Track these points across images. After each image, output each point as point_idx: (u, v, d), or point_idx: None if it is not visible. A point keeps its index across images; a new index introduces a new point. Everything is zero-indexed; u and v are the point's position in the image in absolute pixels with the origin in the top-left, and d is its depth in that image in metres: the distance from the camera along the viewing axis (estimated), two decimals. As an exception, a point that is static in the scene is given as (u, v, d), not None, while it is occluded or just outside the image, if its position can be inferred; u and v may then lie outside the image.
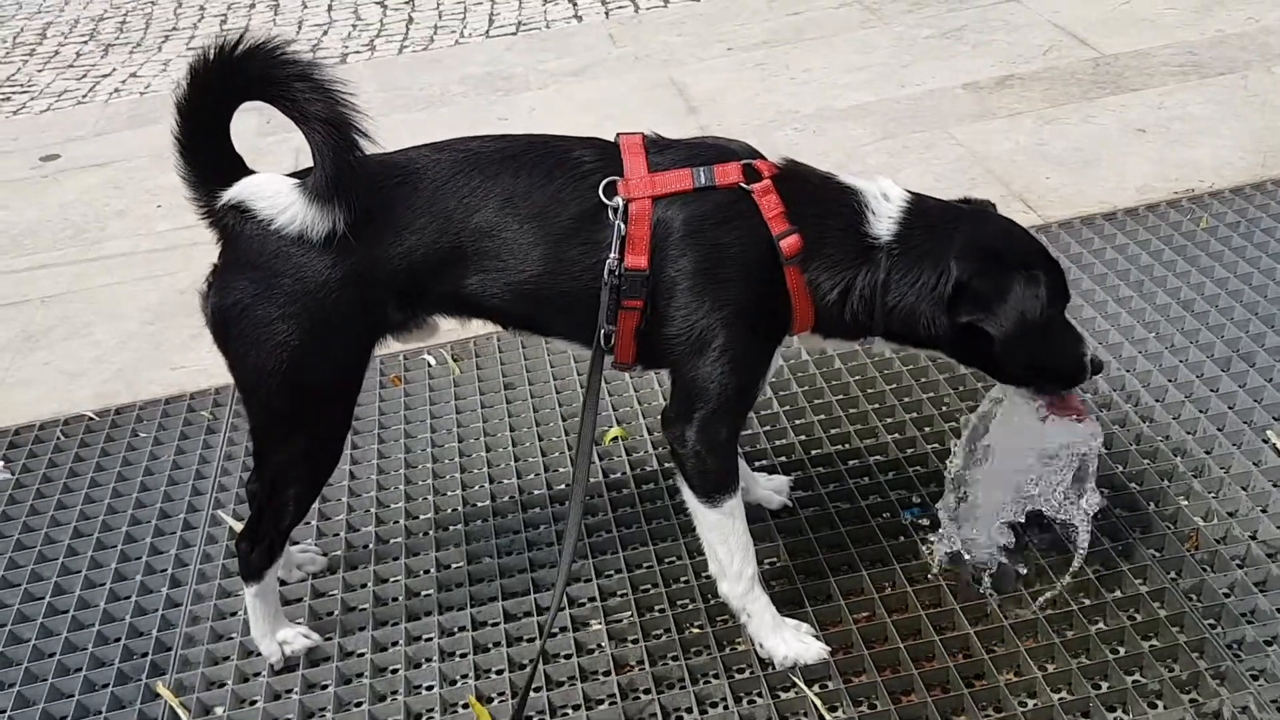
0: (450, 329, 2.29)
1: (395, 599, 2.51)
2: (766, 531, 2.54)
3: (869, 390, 2.97)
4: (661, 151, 2.08)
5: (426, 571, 2.57)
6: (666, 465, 2.77)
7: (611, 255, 1.99)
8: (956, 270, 2.02)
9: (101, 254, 4.40)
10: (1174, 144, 4.00)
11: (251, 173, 2.06)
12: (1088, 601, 2.26)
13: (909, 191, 2.14)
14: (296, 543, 2.67)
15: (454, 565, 2.59)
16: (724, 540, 2.16)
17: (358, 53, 6.45)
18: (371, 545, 2.68)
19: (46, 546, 2.82)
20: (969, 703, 2.07)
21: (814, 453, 2.78)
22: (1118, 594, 2.26)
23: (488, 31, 6.48)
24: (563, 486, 2.78)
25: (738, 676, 2.20)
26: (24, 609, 2.62)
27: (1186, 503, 2.47)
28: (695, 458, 2.09)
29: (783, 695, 2.16)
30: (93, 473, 3.09)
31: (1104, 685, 2.09)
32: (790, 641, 2.20)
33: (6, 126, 5.93)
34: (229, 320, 2.04)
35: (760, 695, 2.16)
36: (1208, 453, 2.60)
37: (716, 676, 2.21)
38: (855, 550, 2.46)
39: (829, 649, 2.21)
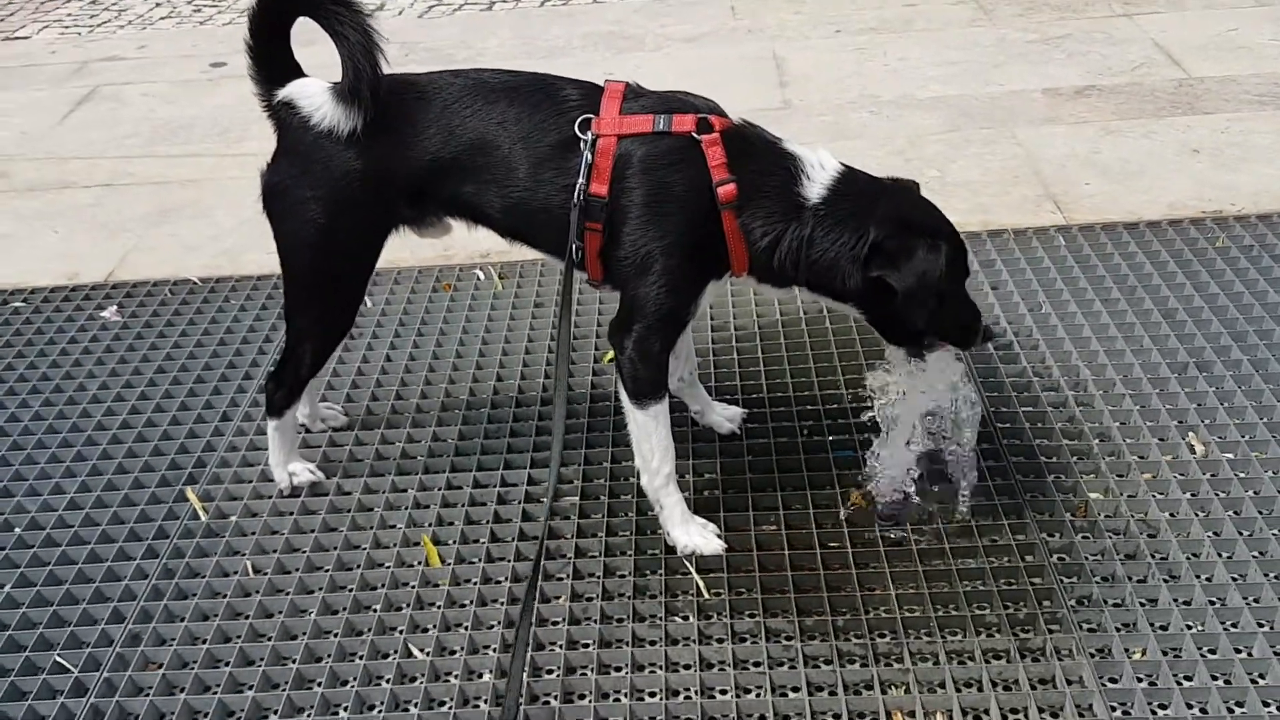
0: (502, 249, 2.67)
1: (391, 458, 2.96)
2: (710, 450, 2.90)
3: (839, 340, 3.27)
4: (636, 99, 2.43)
5: (423, 441, 3.02)
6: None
7: (580, 181, 2.37)
8: (874, 233, 2.32)
9: (239, 151, 5.00)
10: (1222, 167, 4.10)
11: (304, 76, 2.52)
12: (962, 543, 2.54)
13: (843, 164, 2.44)
14: (326, 400, 3.18)
15: (448, 440, 3.02)
16: (647, 438, 2.52)
17: (504, 2, 6.94)
18: (386, 414, 3.15)
19: (134, 376, 3.40)
20: (826, 604, 2.40)
21: (776, 394, 3.10)
22: (990, 541, 2.54)
23: (627, -6, 6.88)
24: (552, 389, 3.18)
25: (642, 555, 2.58)
26: (103, 420, 3.19)
27: (1089, 478, 2.70)
28: (630, 364, 2.46)
29: (678, 575, 2.52)
30: (185, 326, 3.67)
31: (948, 611, 2.38)
32: (693, 534, 2.56)
33: (192, 35, 6.66)
34: (273, 196, 2.52)
35: (657, 571, 2.53)
36: (1127, 440, 2.82)
37: (625, 554, 2.59)
38: (779, 475, 2.79)
39: (726, 546, 2.56)
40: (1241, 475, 2.68)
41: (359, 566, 2.61)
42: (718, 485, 2.79)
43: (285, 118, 2.48)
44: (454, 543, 2.66)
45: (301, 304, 2.62)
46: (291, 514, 2.79)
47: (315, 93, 2.44)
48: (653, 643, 2.36)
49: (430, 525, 2.72)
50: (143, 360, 3.49)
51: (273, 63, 2.51)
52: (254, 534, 2.73)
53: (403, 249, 3.74)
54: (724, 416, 2.96)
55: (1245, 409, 2.89)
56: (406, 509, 2.77)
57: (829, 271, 2.37)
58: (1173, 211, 3.86)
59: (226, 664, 2.38)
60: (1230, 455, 2.75)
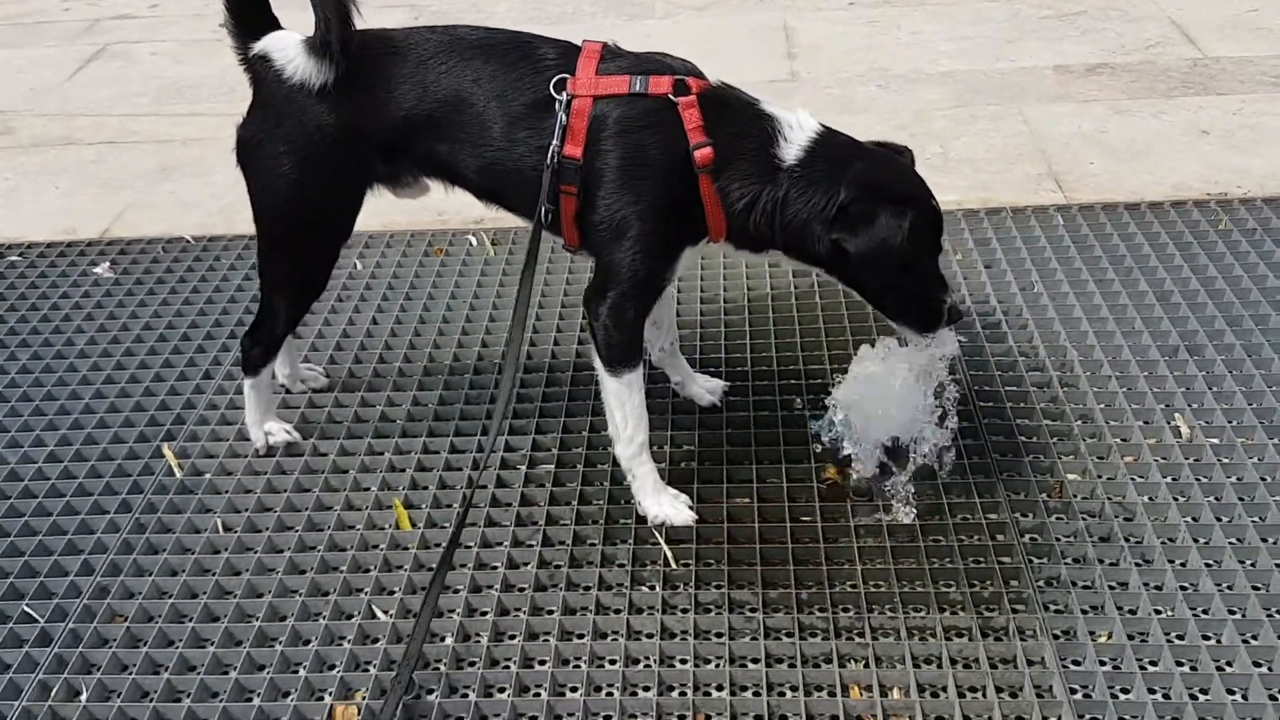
0: (495, 216, 2.64)
1: (370, 421, 2.96)
2: (690, 421, 2.88)
3: (828, 315, 3.24)
4: (613, 59, 2.39)
5: (403, 405, 3.01)
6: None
7: (554, 142, 2.34)
8: (843, 195, 2.27)
9: (243, 111, 4.99)
10: (1232, 149, 4.03)
11: (281, 29, 2.50)
12: (933, 520, 2.51)
13: (823, 125, 2.40)
14: (308, 361, 3.18)
15: (427, 404, 3.01)
16: (620, 407, 2.50)
17: (518, -35, 6.88)
18: (368, 377, 3.15)
19: (121, 333, 3.41)
20: (791, 577, 2.38)
21: (761, 367, 3.07)
22: (962, 519, 2.51)
23: (641, -40, 6.80)
24: (539, 359, 3.17)
25: (613, 524, 2.57)
26: (87, 375, 3.20)
27: (1068, 459, 2.67)
28: (604, 331, 2.44)
29: (647, 545, 2.51)
30: (174, 284, 3.67)
31: (913, 587, 2.36)
32: (664, 504, 2.55)
33: (202, -7, 6.65)
34: (246, 150, 2.51)
35: (626, 541, 2.52)
36: (1110, 422, 2.78)
37: (595, 522, 2.58)
38: (756, 448, 2.77)
39: (696, 518, 2.55)
40: (1224, 461, 2.63)
41: (329, 528, 2.61)
42: (694, 457, 2.77)
43: (260, 71, 2.47)
44: (426, 507, 2.65)
45: (274, 260, 2.61)
46: (266, 473, 2.79)
47: (289, 46, 2.42)
48: (616, 611, 2.35)
49: (404, 489, 2.71)
50: (131, 317, 3.50)
51: (249, 15, 2.49)
52: (227, 492, 2.74)
53: (396, 212, 3.74)
54: (705, 388, 2.94)
55: (1234, 394, 2.84)
56: (381, 472, 2.77)
57: (801, 233, 2.33)
58: (1176, 193, 3.79)
59: (190, 619, 2.39)
60: (1215, 440, 2.70)
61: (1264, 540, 2.41)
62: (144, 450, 2.90)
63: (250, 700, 2.20)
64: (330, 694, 2.20)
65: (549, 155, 2.33)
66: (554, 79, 2.34)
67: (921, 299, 2.39)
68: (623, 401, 2.49)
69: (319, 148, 2.44)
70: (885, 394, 2.52)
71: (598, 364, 2.49)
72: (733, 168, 2.33)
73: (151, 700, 2.20)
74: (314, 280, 2.65)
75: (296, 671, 2.26)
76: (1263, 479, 2.57)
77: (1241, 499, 2.53)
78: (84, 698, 2.21)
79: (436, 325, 3.36)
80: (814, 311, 3.29)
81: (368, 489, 2.72)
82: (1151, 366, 2.96)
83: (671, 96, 2.31)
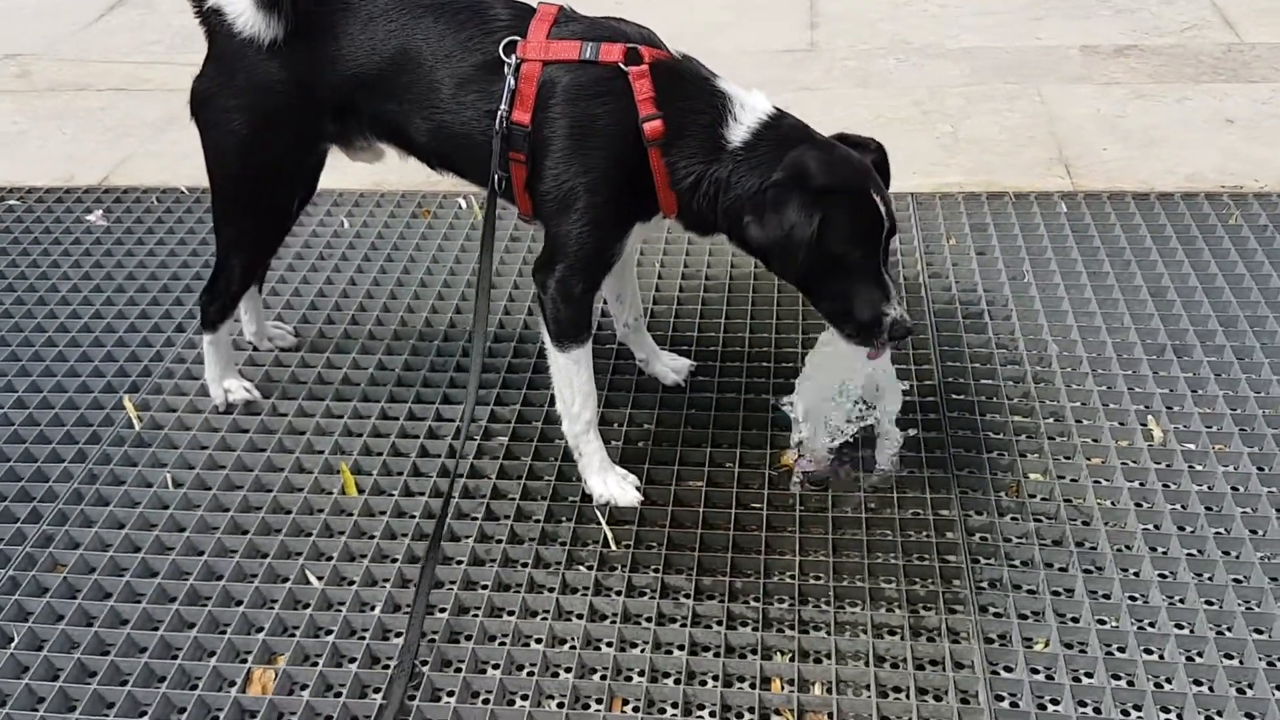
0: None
1: (332, 383, 2.94)
2: (651, 400, 2.83)
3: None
4: (566, 24, 2.32)
5: (368, 369, 2.99)
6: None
7: (502, 107, 2.28)
8: (774, 176, 2.17)
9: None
10: (1255, 140, 3.87)
11: (234, -19, 2.46)
12: (882, 513, 2.45)
13: (777, 109, 2.31)
14: (282, 320, 3.17)
15: (392, 369, 2.99)
16: (569, 383, 2.46)
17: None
18: (337, 339, 3.13)
19: (104, 281, 3.43)
20: (728, 565, 2.34)
21: (732, 349, 3.01)
22: (911, 514, 2.44)
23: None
24: (512, 328, 3.14)
25: (557, 503, 2.53)
26: (65, 322, 3.22)
27: (1030, 458, 2.58)
28: (552, 305, 2.39)
29: (589, 524, 2.47)
30: (163, 234, 3.68)
31: (851, 581, 2.30)
32: (610, 484, 2.51)
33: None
34: (199, 104, 2.49)
35: (569, 519, 2.48)
36: (1080, 421, 2.68)
37: (541, 498, 2.54)
38: (713, 431, 2.71)
39: (641, 499, 2.50)
40: (1195, 468, 2.54)
41: (275, 489, 2.60)
42: (650, 437, 2.72)
43: (214, 24, 2.43)
44: (375, 474, 2.64)
45: (227, 217, 2.60)
46: (221, 431, 2.79)
47: (240, 1, 2.39)
48: (550, 589, 2.32)
49: (355, 454, 2.69)
50: (116, 266, 3.52)
51: None
52: (181, 448, 2.74)
53: (389, 171, 3.69)
54: (670, 367, 2.88)
55: (1216, 398, 2.73)
56: (335, 435, 2.76)
57: (737, 218, 2.24)
58: (1189, 184, 3.65)
59: (128, 573, 2.39)
60: (1189, 446, 2.60)
61: (1224, 554, 2.32)
62: (108, 401, 2.91)
63: (174, 658, 2.20)
64: (251, 656, 2.20)
65: (497, 120, 2.27)
66: (504, 41, 2.29)
67: (854, 303, 2.23)
68: (570, 378, 2.45)
69: (268, 104, 2.41)
70: (837, 379, 2.45)
71: (545, 338, 2.44)
72: (681, 143, 2.26)
73: (77, 652, 2.21)
74: (266, 238, 2.63)
75: (223, 632, 2.26)
76: (1233, 489, 2.47)
77: (1207, 509, 2.43)
78: (14, 645, 2.23)
79: (413, 289, 3.34)
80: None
81: (320, 452, 2.71)
82: (1134, 365, 2.86)
83: (622, 65, 2.24)
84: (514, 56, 2.27)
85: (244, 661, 2.19)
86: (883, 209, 2.19)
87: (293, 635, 2.25)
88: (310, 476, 2.63)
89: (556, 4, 2.37)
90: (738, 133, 2.24)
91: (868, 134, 2.38)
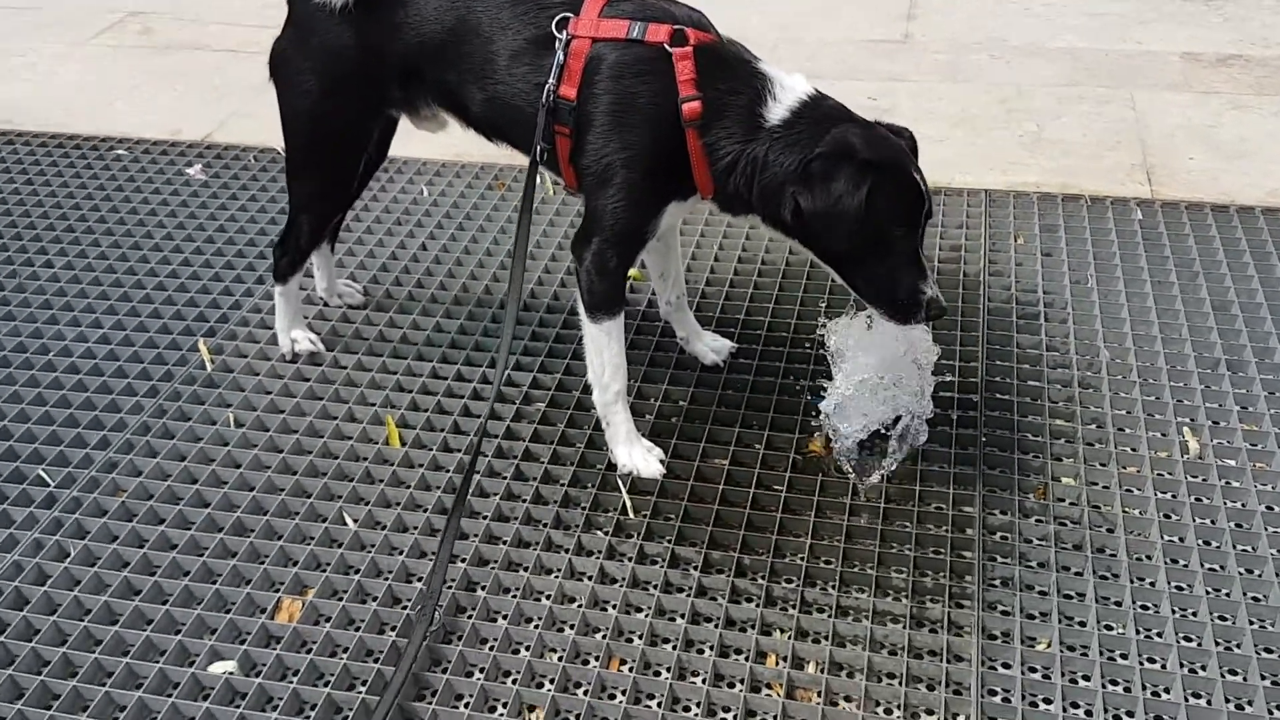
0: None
1: (392, 341, 3.08)
2: (688, 378, 2.89)
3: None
4: (619, 3, 2.37)
5: (426, 330, 3.12)
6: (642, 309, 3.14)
7: (550, 81, 2.37)
8: (819, 149, 2.20)
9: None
10: (1353, 158, 3.72)
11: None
12: (902, 505, 2.47)
13: (816, 90, 2.34)
14: (354, 279, 3.33)
15: (449, 331, 3.11)
16: (599, 353, 2.54)
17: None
18: (402, 300, 3.27)
19: (196, 231, 3.63)
20: (739, 542, 2.39)
21: (777, 333, 3.05)
22: (933, 507, 2.46)
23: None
24: (566, 298, 3.23)
25: (584, 469, 2.62)
26: (155, 266, 3.43)
27: (1062, 462, 2.57)
28: (586, 276, 2.47)
29: (611, 491, 2.55)
30: (256, 191, 3.88)
31: (861, 569, 2.33)
32: (635, 455, 2.58)
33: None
34: (276, 64, 2.64)
35: (591, 486, 2.57)
36: (1119, 429, 2.65)
37: (569, 464, 2.63)
38: (745, 412, 2.76)
39: (664, 472, 2.57)
40: (1229, 484, 2.49)
41: (326, 435, 2.74)
42: (682, 413, 2.78)
43: None
44: (418, 428, 2.76)
45: (297, 174, 2.75)
46: (285, 378, 2.95)
47: None
48: (565, 549, 2.41)
49: (403, 409, 2.82)
50: (209, 218, 3.72)
51: None
52: (246, 391, 2.91)
53: (469, 143, 3.82)
54: (711, 347, 2.94)
55: (1263, 416, 2.67)
56: (388, 390, 2.89)
57: (774, 197, 2.28)
58: (1273, 198, 3.54)
59: (181, 501, 2.56)
60: (1229, 462, 2.56)
61: (1244, 571, 2.29)
62: (185, 343, 3.10)
63: (213, 583, 2.36)
64: (283, 587, 2.34)
65: (544, 94, 2.36)
66: (557, 17, 2.37)
67: (893, 282, 2.28)
68: (601, 349, 2.52)
69: (338, 67, 2.54)
70: (874, 361, 2.47)
71: (580, 308, 2.52)
72: (719, 124, 2.31)
73: (125, 571, 2.38)
74: (334, 196, 2.76)
75: (261, 563, 2.41)
76: (1266, 508, 2.43)
77: (1235, 525, 2.39)
78: (69, 560, 2.42)
79: (478, 257, 3.46)
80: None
81: (372, 404, 2.85)
82: (1185, 378, 2.81)
83: (667, 46, 2.30)
84: (565, 33, 2.35)
85: (276, 591, 2.34)
86: (924, 188, 2.22)
87: (323, 571, 2.38)
88: (360, 426, 2.77)
89: None
90: (776, 112, 2.28)
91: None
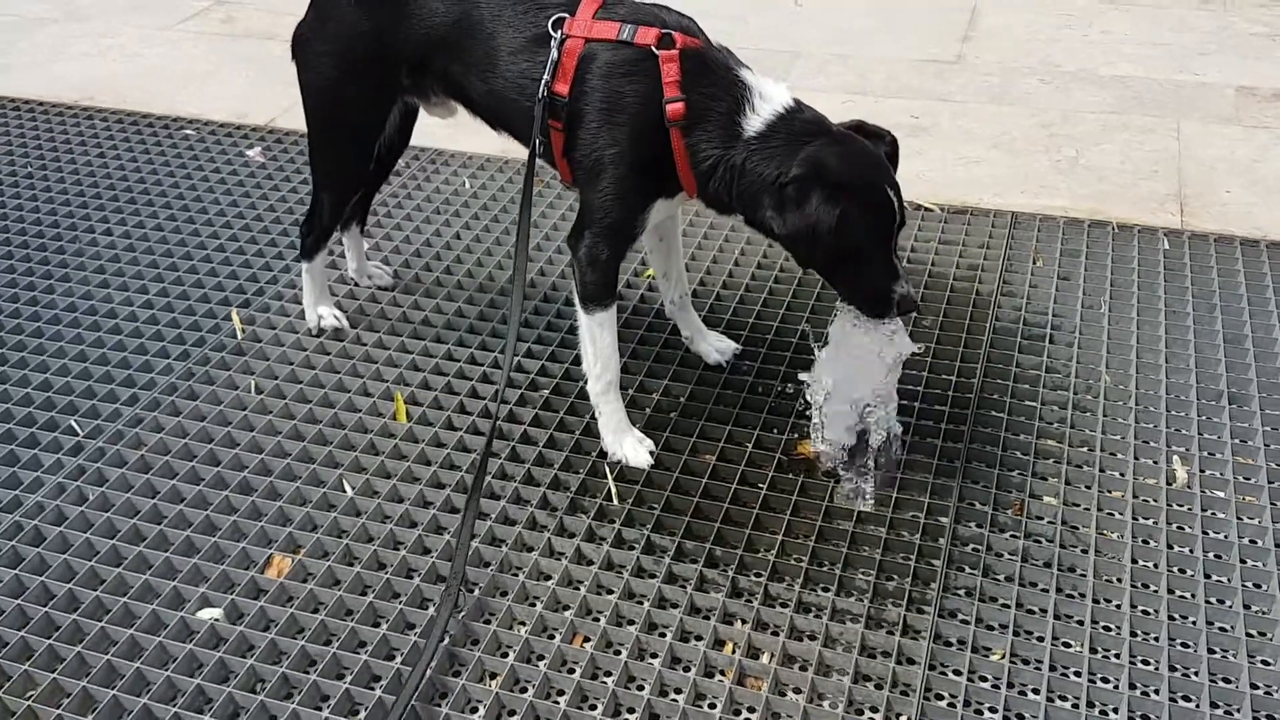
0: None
1: (414, 323, 3.21)
2: (690, 375, 2.97)
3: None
4: (613, 6, 2.48)
5: (448, 314, 3.25)
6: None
7: (545, 76, 2.47)
8: (793, 171, 2.28)
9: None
10: (1397, 200, 3.65)
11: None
12: (878, 510, 2.51)
13: (795, 101, 2.40)
14: (387, 262, 3.47)
15: (469, 317, 3.23)
16: (592, 343, 2.63)
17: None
18: (429, 284, 3.40)
19: (247, 209, 3.82)
20: (714, 534, 2.46)
21: (784, 338, 3.11)
22: (908, 515, 2.50)
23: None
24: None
25: (576, 455, 2.71)
26: (205, 239, 3.62)
27: (1046, 481, 2.59)
28: (580, 269, 2.56)
29: (599, 478, 2.64)
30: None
31: (829, 568, 2.39)
32: (625, 444, 2.67)
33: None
34: (297, 46, 2.80)
35: (581, 470, 2.66)
36: (1107, 453, 2.67)
37: (563, 449, 2.73)
38: (739, 411, 2.83)
39: (652, 463, 2.66)
40: (1212, 514, 2.49)
41: (339, 407, 2.88)
42: (679, 408, 2.86)
43: None
44: (425, 406, 2.88)
45: (317, 153, 2.91)
46: (308, 351, 3.10)
47: None
48: (546, 529, 2.51)
49: (414, 386, 2.95)
50: (261, 197, 3.91)
51: None
52: (270, 360, 3.06)
53: (512, 140, 3.96)
54: (715, 347, 3.02)
55: (1258, 451, 2.66)
56: (402, 369, 3.02)
57: (753, 204, 2.37)
58: (1307, 236, 3.49)
59: (195, 459, 2.72)
60: (1216, 493, 2.55)
61: (1212, 600, 2.29)
62: (221, 311, 3.28)
63: (212, 536, 2.50)
64: (276, 545, 2.48)
65: (539, 88, 2.46)
66: (554, 16, 2.47)
67: (867, 284, 2.37)
68: (594, 338, 2.62)
69: (353, 51, 2.68)
70: (851, 363, 2.52)
71: (575, 299, 2.62)
72: (701, 127, 2.39)
73: (136, 519, 2.54)
74: (351, 176, 2.91)
75: (258, 520, 2.55)
76: (1248, 541, 2.42)
77: (1211, 555, 2.39)
78: (86, 504, 2.59)
79: (508, 248, 3.58)
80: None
81: (386, 380, 2.98)
82: (1184, 408, 2.80)
83: (654, 48, 2.39)
84: (560, 32, 2.45)
85: (270, 547, 2.47)
86: (895, 202, 2.29)
87: (315, 532, 2.51)
88: (371, 400, 2.90)
89: None
90: (754, 123, 2.36)
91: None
